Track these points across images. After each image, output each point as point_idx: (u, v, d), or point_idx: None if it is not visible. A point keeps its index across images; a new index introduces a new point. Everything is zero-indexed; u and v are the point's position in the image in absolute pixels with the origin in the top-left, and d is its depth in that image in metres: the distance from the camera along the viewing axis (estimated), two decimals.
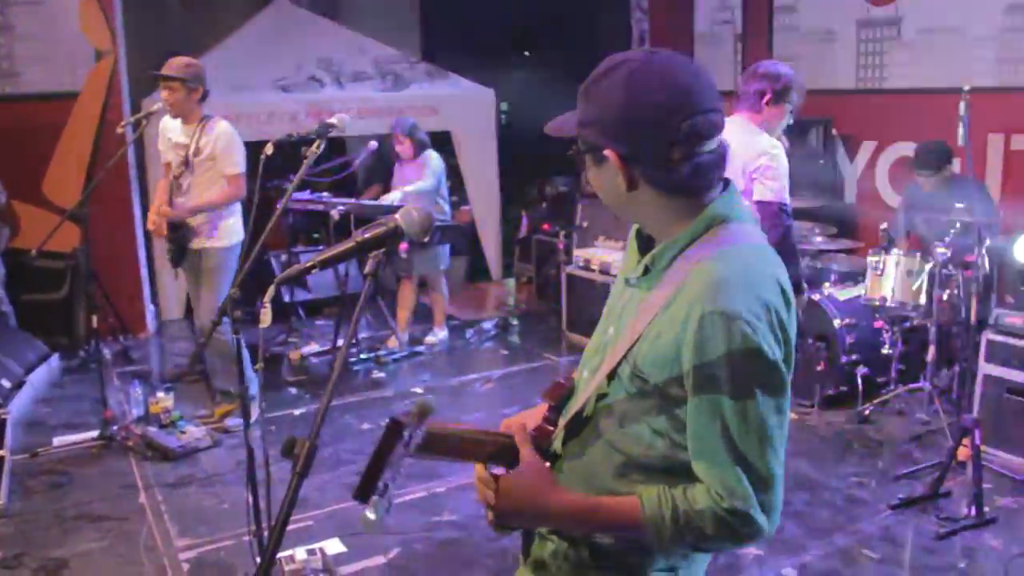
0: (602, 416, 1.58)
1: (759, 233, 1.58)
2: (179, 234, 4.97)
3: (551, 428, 1.66)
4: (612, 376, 1.55)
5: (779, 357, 1.44)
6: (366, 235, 1.57)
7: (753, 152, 3.83)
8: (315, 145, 3.10)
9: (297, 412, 5.55)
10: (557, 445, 1.66)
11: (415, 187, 6.38)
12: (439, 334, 6.96)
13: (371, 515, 1.45)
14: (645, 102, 1.44)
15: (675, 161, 1.45)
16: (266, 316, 1.76)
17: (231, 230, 5.07)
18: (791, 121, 4.03)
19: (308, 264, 1.60)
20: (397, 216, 1.61)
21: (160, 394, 5.23)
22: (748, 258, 1.47)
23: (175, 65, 4.84)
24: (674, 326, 1.45)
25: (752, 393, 1.42)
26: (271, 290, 1.76)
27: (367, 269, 1.57)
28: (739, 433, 1.43)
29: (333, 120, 3.28)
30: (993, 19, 6.13)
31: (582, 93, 1.54)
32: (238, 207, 5.14)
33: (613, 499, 1.53)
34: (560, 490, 1.55)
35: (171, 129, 5.05)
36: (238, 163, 4.93)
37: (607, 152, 1.49)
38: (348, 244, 1.58)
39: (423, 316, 7.03)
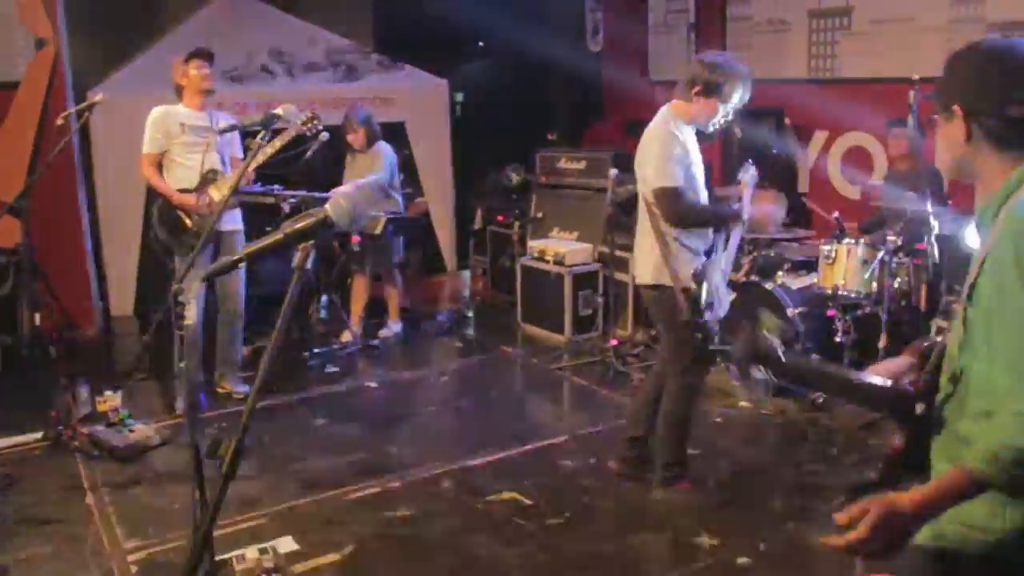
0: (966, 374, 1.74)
1: None
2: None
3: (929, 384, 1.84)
4: (964, 330, 1.74)
5: None
6: (295, 226, 1.52)
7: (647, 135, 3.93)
8: (259, 135, 3.03)
9: None
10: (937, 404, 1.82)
11: (368, 180, 6.31)
12: (393, 327, 6.89)
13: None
14: (992, 70, 1.75)
15: (1008, 118, 1.72)
16: (191, 312, 1.70)
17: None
18: (727, 118, 3.96)
19: (235, 258, 1.55)
20: (327, 206, 1.56)
21: (108, 392, 5.12)
22: None
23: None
24: (991, 266, 1.67)
25: None
26: (196, 285, 1.70)
27: (295, 262, 1.52)
28: None
29: (278, 111, 3.22)
30: (941, 10, 6.19)
31: (946, 66, 1.85)
32: None
33: (945, 481, 1.67)
34: (905, 498, 1.68)
35: (178, 115, 5.11)
36: (240, 147, 5.27)
37: (956, 107, 1.78)
38: (276, 236, 1.54)
39: (378, 309, 6.96)
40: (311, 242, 1.49)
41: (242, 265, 5.09)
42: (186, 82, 5.11)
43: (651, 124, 3.98)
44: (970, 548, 1.76)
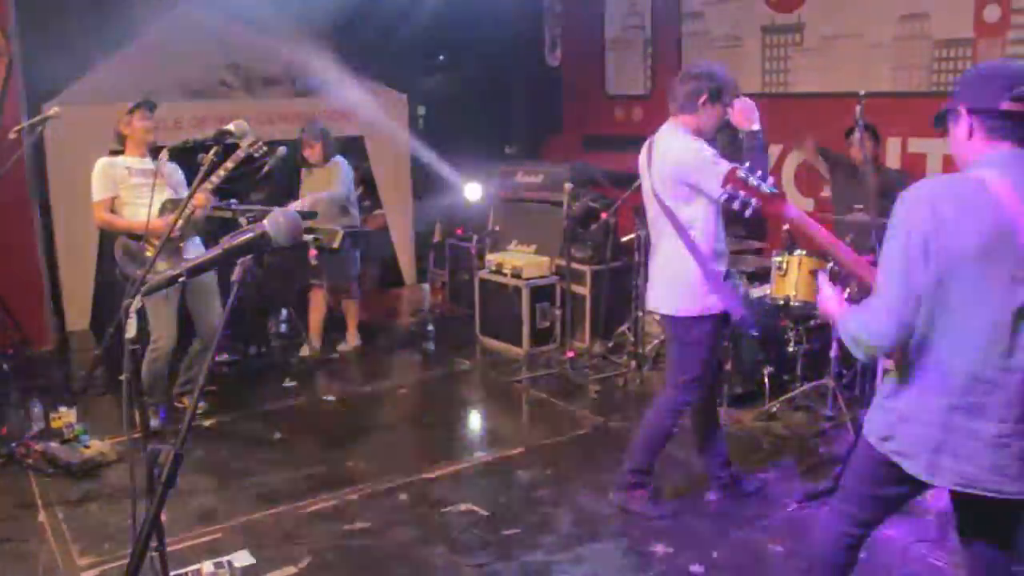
0: None
1: (961, 176, 2.31)
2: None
3: None
4: None
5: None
6: (232, 242, 1.55)
7: (681, 155, 3.80)
8: (212, 151, 3.05)
9: (207, 423, 5.44)
10: None
11: (327, 195, 6.33)
12: (352, 341, 6.90)
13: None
14: (988, 78, 2.29)
15: (1000, 114, 2.23)
16: (131, 326, 1.72)
17: None
18: (726, 120, 3.97)
19: (175, 272, 1.57)
20: (265, 222, 1.59)
21: (62, 408, 5.07)
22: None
23: None
24: None
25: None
26: (136, 300, 1.72)
27: (234, 276, 1.55)
28: None
29: (230, 127, 3.24)
30: (889, 27, 6.34)
31: (957, 82, 2.40)
32: None
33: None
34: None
35: (123, 163, 5.18)
36: None
37: (961, 107, 2.31)
38: (216, 251, 1.57)
39: (337, 323, 6.96)
40: (249, 256, 1.52)
41: (215, 294, 5.10)
42: (129, 132, 5.12)
43: (667, 144, 3.87)
44: None
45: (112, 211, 5.10)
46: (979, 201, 2.19)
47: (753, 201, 2.59)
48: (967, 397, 2.28)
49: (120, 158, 5.18)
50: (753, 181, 2.61)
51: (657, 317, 4.20)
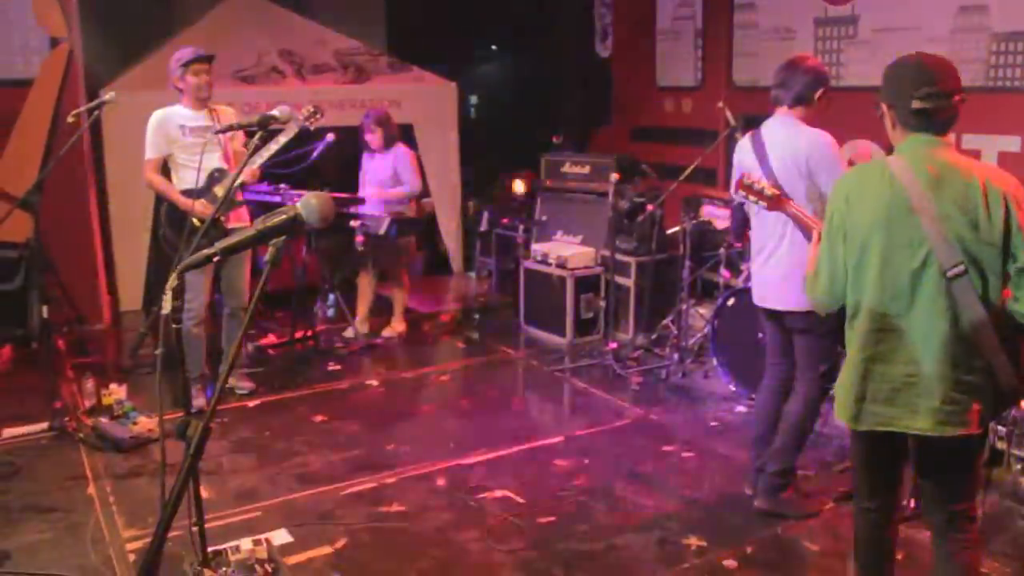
0: None
1: (871, 163, 2.75)
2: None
3: None
4: None
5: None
6: (267, 223, 1.59)
7: (813, 149, 3.77)
8: (256, 136, 3.10)
9: (252, 405, 5.54)
10: None
11: (408, 190, 6.55)
12: (397, 327, 6.97)
13: None
14: (901, 76, 2.65)
15: (912, 111, 2.58)
16: (166, 302, 1.77)
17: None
18: None
19: (210, 251, 1.62)
20: (297, 204, 1.63)
21: (113, 385, 5.21)
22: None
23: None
24: None
25: None
26: (173, 278, 1.77)
27: (267, 256, 1.59)
28: None
29: (274, 112, 3.29)
30: (946, 20, 6.22)
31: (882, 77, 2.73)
32: None
33: None
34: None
35: (178, 116, 5.17)
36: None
37: (883, 104, 2.69)
38: (249, 232, 1.61)
39: (383, 309, 7.04)
40: (282, 238, 1.56)
41: (245, 261, 5.22)
42: (183, 87, 5.16)
43: (792, 136, 3.81)
44: None
45: (165, 169, 5.19)
46: (880, 182, 2.62)
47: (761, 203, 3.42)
48: (879, 347, 2.66)
49: (176, 111, 5.21)
50: (757, 187, 3.41)
51: (779, 311, 4.00)
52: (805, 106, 3.83)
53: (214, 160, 5.14)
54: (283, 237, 1.56)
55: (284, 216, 1.60)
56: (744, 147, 3.98)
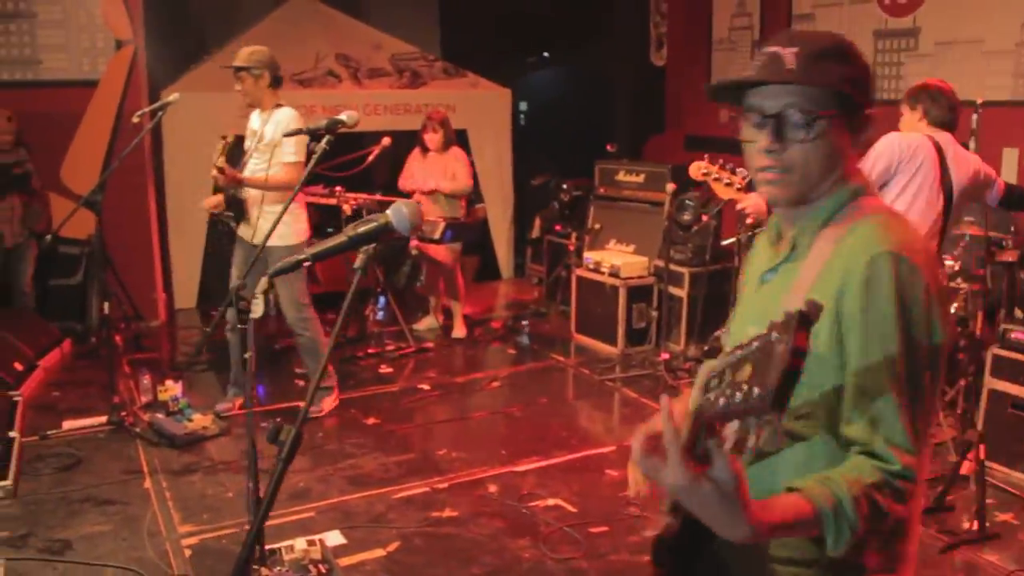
0: None
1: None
2: (234, 209, 5.10)
3: None
4: None
5: None
6: (358, 229, 1.61)
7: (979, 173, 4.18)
8: (323, 140, 3.13)
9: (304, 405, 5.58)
10: None
11: (462, 188, 6.61)
12: (459, 333, 7.04)
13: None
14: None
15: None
16: (258, 307, 1.80)
17: (296, 231, 5.11)
18: None
19: (301, 257, 1.64)
20: (388, 212, 1.64)
21: (169, 381, 5.29)
22: None
23: (241, 56, 4.96)
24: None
25: None
26: (263, 282, 1.80)
27: (356, 263, 1.61)
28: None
29: (343, 116, 3.32)
30: (1010, 33, 6.11)
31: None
32: (301, 209, 5.20)
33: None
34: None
35: (252, 119, 5.20)
36: (292, 152, 4.93)
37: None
38: (340, 238, 1.62)
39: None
40: (372, 245, 1.57)
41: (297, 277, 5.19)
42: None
43: (966, 157, 4.16)
44: None
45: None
46: None
47: None
48: None
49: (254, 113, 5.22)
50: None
51: None
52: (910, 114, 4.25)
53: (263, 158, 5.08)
54: (373, 244, 1.57)
55: (375, 224, 1.62)
56: (930, 149, 4.09)
